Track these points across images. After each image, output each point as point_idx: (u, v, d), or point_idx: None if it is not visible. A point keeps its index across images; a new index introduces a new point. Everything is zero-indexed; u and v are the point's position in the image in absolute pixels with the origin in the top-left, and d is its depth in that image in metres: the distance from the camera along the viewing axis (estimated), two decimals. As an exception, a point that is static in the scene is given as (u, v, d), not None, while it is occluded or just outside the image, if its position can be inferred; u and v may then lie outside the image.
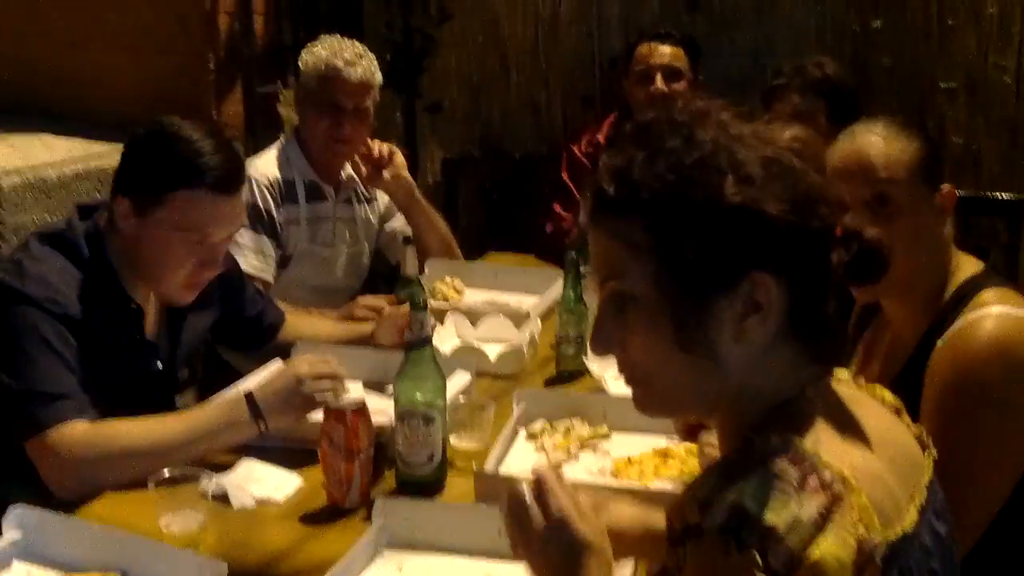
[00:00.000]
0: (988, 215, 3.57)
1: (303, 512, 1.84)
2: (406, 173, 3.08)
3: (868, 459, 1.09)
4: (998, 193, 3.58)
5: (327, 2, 4.26)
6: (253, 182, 2.85)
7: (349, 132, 2.91)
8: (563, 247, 2.78)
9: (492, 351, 2.48)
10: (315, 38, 3.02)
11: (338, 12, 4.21)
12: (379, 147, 3.02)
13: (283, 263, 2.93)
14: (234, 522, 1.80)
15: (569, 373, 2.46)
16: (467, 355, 2.43)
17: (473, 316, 2.67)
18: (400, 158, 3.06)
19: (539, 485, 1.19)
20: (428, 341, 1.90)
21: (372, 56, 2.96)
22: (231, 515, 1.82)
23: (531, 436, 2.11)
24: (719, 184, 1.07)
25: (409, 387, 1.88)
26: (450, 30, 4.22)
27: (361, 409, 1.85)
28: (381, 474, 1.93)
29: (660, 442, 2.04)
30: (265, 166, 2.94)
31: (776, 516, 0.99)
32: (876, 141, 1.80)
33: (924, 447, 1.22)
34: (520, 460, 2.02)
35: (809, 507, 1.00)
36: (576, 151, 3.68)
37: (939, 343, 1.74)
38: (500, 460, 1.99)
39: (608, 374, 2.29)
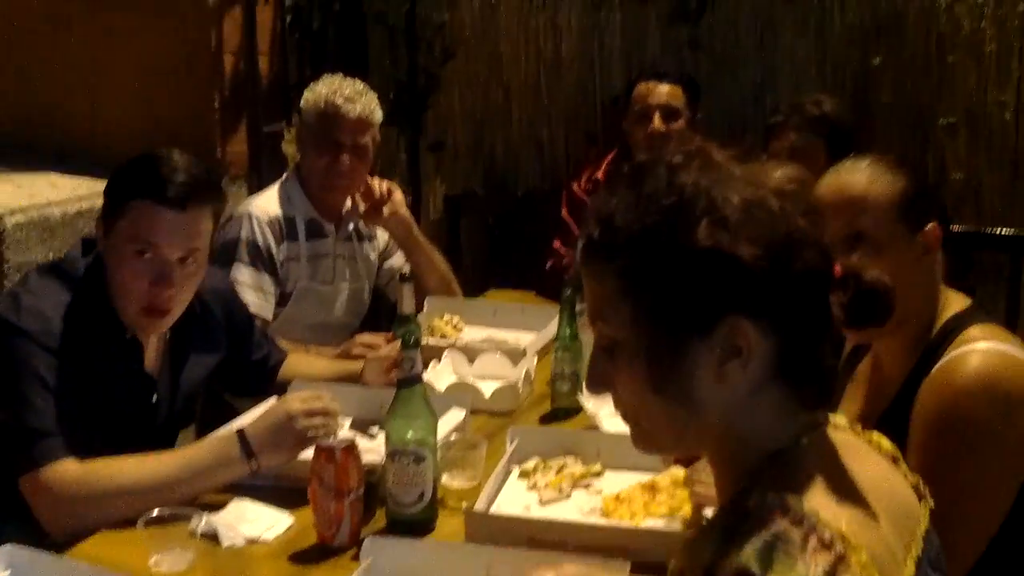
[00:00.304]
0: (990, 250, 3.56)
1: (292, 551, 1.83)
2: (405, 210, 3.09)
3: (865, 513, 1.08)
4: (999, 229, 3.57)
5: (333, 41, 4.29)
6: (253, 219, 2.87)
7: (348, 168, 2.92)
8: (562, 284, 2.78)
9: (487, 388, 2.48)
10: (320, 77, 3.04)
11: (344, 51, 4.25)
12: (379, 184, 3.04)
13: (282, 300, 2.93)
14: (223, 561, 1.80)
15: (564, 410, 2.45)
16: (462, 392, 2.43)
17: (471, 353, 2.66)
18: (399, 195, 3.07)
19: None
20: (419, 379, 1.89)
21: (373, 94, 2.98)
22: (220, 554, 1.81)
23: (524, 474, 2.09)
24: (692, 227, 1.06)
25: (400, 425, 1.88)
26: (454, 68, 4.25)
27: (351, 448, 1.85)
28: (373, 514, 1.92)
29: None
30: (266, 203, 2.95)
31: None
32: (859, 178, 1.80)
33: (920, 497, 1.21)
34: (512, 499, 2.01)
35: (816, 569, 0.99)
36: (576, 188, 3.68)
37: (925, 380, 1.74)
38: (491, 499, 1.98)
39: (603, 411, 2.28)
